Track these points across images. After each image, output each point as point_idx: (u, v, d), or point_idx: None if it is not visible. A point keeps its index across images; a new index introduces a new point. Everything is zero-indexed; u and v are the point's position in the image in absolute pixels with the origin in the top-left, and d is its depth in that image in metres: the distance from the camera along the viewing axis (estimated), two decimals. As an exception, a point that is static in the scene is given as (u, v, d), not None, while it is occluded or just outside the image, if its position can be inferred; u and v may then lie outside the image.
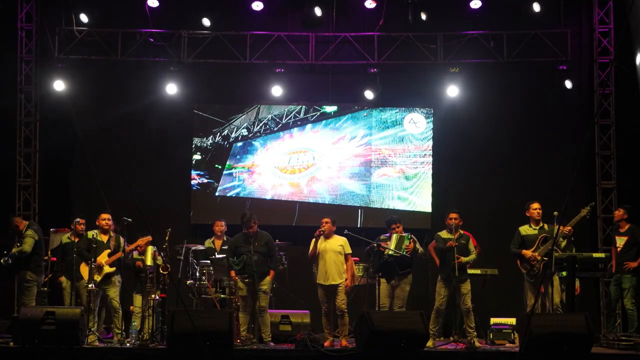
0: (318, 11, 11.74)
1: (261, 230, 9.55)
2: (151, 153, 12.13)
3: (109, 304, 9.35)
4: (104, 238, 9.51)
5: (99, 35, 11.82)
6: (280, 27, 12.04)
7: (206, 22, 11.73)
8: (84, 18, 11.54)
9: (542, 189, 11.26)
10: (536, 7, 11.41)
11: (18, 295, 9.63)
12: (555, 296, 9.21)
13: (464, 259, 9.27)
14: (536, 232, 9.42)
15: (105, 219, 9.52)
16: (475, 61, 11.88)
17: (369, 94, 11.92)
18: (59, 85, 11.61)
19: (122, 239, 9.53)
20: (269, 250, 9.45)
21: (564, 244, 9.35)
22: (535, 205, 9.50)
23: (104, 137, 11.77)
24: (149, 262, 9.28)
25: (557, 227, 8.96)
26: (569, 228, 9.18)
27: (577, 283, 9.41)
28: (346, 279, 9.39)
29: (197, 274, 9.71)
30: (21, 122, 11.91)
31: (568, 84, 11.57)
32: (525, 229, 9.51)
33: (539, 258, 9.20)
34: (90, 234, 9.47)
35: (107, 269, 9.31)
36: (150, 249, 9.36)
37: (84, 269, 9.34)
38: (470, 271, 9.81)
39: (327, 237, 9.41)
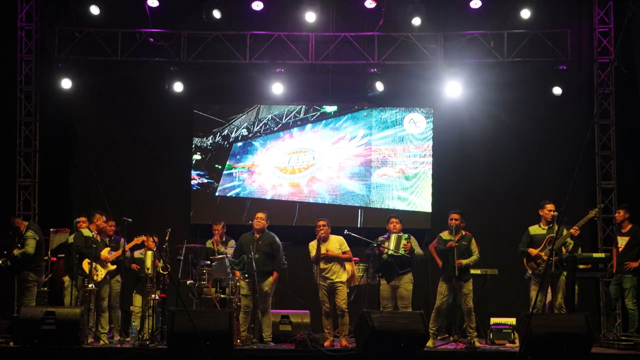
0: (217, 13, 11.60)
1: (269, 231, 9.61)
2: (151, 153, 12.13)
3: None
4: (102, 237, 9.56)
5: (98, 35, 11.81)
6: (280, 27, 12.03)
7: (217, 14, 11.57)
8: (95, 10, 11.50)
9: (542, 189, 11.27)
10: (525, 14, 11.38)
11: (18, 295, 9.61)
12: (558, 296, 9.20)
13: (463, 262, 9.24)
14: (545, 232, 9.38)
15: (112, 225, 9.62)
16: (475, 61, 11.88)
17: (380, 86, 11.84)
18: (58, 85, 11.60)
19: (122, 241, 9.53)
20: (272, 251, 9.47)
21: (572, 245, 9.34)
22: (550, 206, 9.39)
23: (104, 137, 11.75)
24: (148, 266, 9.27)
25: (557, 227, 8.97)
26: (576, 228, 9.17)
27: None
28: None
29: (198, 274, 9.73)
30: (21, 122, 11.89)
31: (568, 84, 11.57)
32: (534, 229, 9.48)
33: (544, 257, 9.18)
34: (87, 232, 9.46)
35: (110, 267, 9.35)
36: (149, 254, 9.35)
37: (87, 266, 9.30)
38: (470, 271, 9.80)
39: (325, 239, 9.41)
